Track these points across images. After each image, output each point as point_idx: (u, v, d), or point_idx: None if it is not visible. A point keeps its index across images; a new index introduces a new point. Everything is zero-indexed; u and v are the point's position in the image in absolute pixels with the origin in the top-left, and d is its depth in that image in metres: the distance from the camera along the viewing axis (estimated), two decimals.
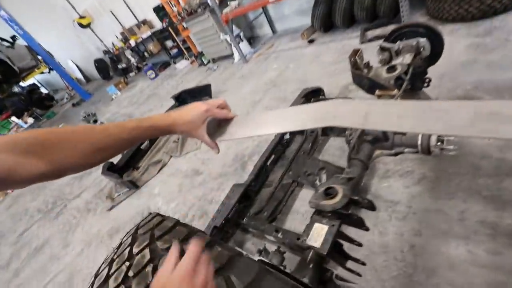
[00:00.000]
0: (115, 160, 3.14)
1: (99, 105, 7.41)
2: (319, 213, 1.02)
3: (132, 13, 7.03)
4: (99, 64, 10.02)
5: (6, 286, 2.77)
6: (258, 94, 3.36)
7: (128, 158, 3.15)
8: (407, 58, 1.48)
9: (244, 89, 3.72)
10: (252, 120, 0.80)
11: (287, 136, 2.13)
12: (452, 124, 0.53)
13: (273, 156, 2.03)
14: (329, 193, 1.02)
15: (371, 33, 3.01)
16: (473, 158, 1.45)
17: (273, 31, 4.88)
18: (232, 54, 4.74)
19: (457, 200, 1.34)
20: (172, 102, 4.01)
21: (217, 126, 0.82)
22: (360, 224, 0.94)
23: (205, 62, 5.48)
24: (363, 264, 1.01)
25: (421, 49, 1.48)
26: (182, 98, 3.97)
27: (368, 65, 1.52)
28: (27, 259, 2.98)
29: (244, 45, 4.56)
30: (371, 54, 1.66)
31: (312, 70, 3.13)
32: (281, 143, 2.10)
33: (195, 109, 0.70)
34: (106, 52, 8.92)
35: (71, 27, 9.19)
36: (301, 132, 2.12)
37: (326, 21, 3.44)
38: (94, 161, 0.55)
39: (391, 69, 1.44)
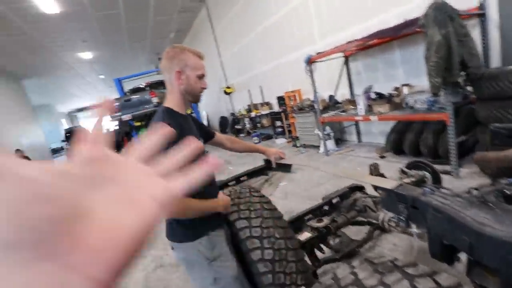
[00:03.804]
0: None
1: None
2: (310, 229, 1.91)
3: (262, 95, 9.49)
4: (222, 120, 13.05)
5: None
6: (323, 180, 4.32)
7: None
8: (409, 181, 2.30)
9: (316, 173, 4.75)
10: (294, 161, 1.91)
11: (326, 208, 2.98)
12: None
13: (310, 215, 2.89)
14: (319, 221, 1.92)
15: None
16: None
17: (359, 140, 5.94)
18: (319, 146, 5.96)
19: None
20: (262, 162, 5.36)
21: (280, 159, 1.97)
22: (325, 238, 1.79)
23: (298, 145, 6.88)
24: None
25: (425, 179, 2.29)
26: (270, 163, 5.28)
27: (382, 175, 2.39)
28: None
29: (330, 143, 5.75)
30: None
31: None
32: (320, 210, 2.96)
33: (274, 149, 1.88)
34: (232, 114, 11.74)
35: (218, 91, 12.68)
36: (337, 209, 2.95)
37: (396, 146, 4.32)
38: (240, 151, 1.79)
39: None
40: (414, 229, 1.04)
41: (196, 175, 0.25)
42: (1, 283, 0.14)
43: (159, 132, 0.28)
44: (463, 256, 1.06)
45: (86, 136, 0.23)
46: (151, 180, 0.22)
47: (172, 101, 1.32)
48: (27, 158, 8.47)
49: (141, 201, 0.20)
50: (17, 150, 8.52)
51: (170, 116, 1.25)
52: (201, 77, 1.32)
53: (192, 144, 0.28)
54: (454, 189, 1.03)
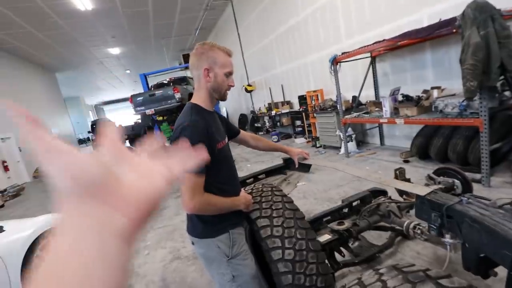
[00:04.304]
0: None
1: None
2: (330, 231, 1.87)
3: (283, 94, 9.43)
4: (242, 117, 13.10)
5: None
6: (343, 181, 4.23)
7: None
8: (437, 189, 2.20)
9: (336, 174, 4.65)
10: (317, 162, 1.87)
11: (345, 210, 2.91)
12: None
13: (329, 217, 2.84)
14: (340, 223, 1.88)
15: None
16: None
17: (381, 143, 5.76)
18: (340, 147, 5.84)
19: None
20: (281, 161, 5.33)
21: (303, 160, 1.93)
22: (345, 241, 1.75)
23: (318, 145, 6.78)
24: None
25: (455, 187, 2.18)
26: (289, 162, 5.23)
27: (408, 180, 2.29)
28: None
29: (352, 145, 5.61)
30: None
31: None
32: (339, 212, 2.90)
33: (298, 149, 1.84)
34: (252, 112, 11.75)
35: (238, 88, 12.74)
36: (356, 212, 2.87)
37: (422, 151, 4.14)
38: (263, 149, 1.78)
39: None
40: (447, 239, 0.99)
41: (188, 164, 0.34)
42: (79, 213, 0.25)
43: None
44: (499, 271, 0.99)
45: (105, 138, 0.31)
46: (156, 166, 0.32)
47: (200, 97, 1.33)
48: None
49: (153, 177, 0.30)
50: None
51: (197, 113, 1.26)
52: (228, 74, 1.31)
53: (199, 154, 0.36)
54: (495, 199, 0.96)
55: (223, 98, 1.36)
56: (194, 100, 1.33)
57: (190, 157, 0.35)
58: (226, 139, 1.43)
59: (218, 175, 1.29)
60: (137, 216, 0.27)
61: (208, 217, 1.28)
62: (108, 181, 0.27)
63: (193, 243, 1.39)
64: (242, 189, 1.53)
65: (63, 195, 0.25)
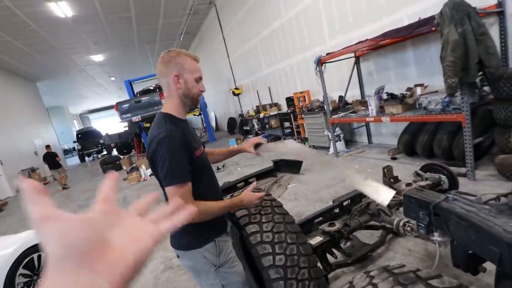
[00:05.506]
0: None
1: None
2: (321, 232, 1.86)
3: (270, 96, 9.45)
4: (231, 121, 13.07)
5: None
6: (333, 182, 4.25)
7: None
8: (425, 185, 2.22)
9: (325, 174, 4.67)
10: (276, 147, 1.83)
11: (336, 210, 2.92)
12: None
13: (320, 218, 2.83)
14: (331, 225, 1.87)
15: None
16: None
17: (369, 141, 5.83)
18: (329, 147, 5.88)
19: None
20: (271, 163, 5.32)
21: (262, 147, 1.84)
22: (337, 242, 1.74)
23: (307, 145, 6.81)
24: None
25: (442, 183, 2.21)
26: (279, 164, 5.22)
27: (396, 178, 2.32)
28: None
29: (340, 144, 5.66)
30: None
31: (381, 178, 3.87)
32: (330, 213, 2.90)
33: (249, 141, 1.70)
34: (240, 115, 11.73)
35: (226, 92, 12.72)
36: (347, 212, 2.88)
37: (409, 147, 4.21)
38: (220, 160, 1.72)
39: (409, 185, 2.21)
40: (436, 237, 0.99)
41: (177, 220, 0.36)
42: (57, 281, 0.26)
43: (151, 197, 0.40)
44: (488, 266, 1.00)
45: (101, 197, 0.34)
46: (146, 225, 0.34)
47: (172, 106, 1.28)
48: (55, 153, 8.97)
49: (142, 239, 0.32)
50: (47, 146, 9.53)
51: (171, 123, 1.21)
52: (198, 80, 1.28)
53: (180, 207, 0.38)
54: (480, 195, 0.97)
55: (195, 104, 1.32)
56: (165, 109, 1.28)
57: (180, 212, 0.37)
58: (202, 147, 1.39)
59: (199, 182, 1.25)
60: (120, 280, 0.28)
61: (191, 228, 1.23)
62: (96, 247, 0.28)
63: (178, 257, 1.34)
64: (250, 186, 1.40)
65: (53, 261, 0.27)
